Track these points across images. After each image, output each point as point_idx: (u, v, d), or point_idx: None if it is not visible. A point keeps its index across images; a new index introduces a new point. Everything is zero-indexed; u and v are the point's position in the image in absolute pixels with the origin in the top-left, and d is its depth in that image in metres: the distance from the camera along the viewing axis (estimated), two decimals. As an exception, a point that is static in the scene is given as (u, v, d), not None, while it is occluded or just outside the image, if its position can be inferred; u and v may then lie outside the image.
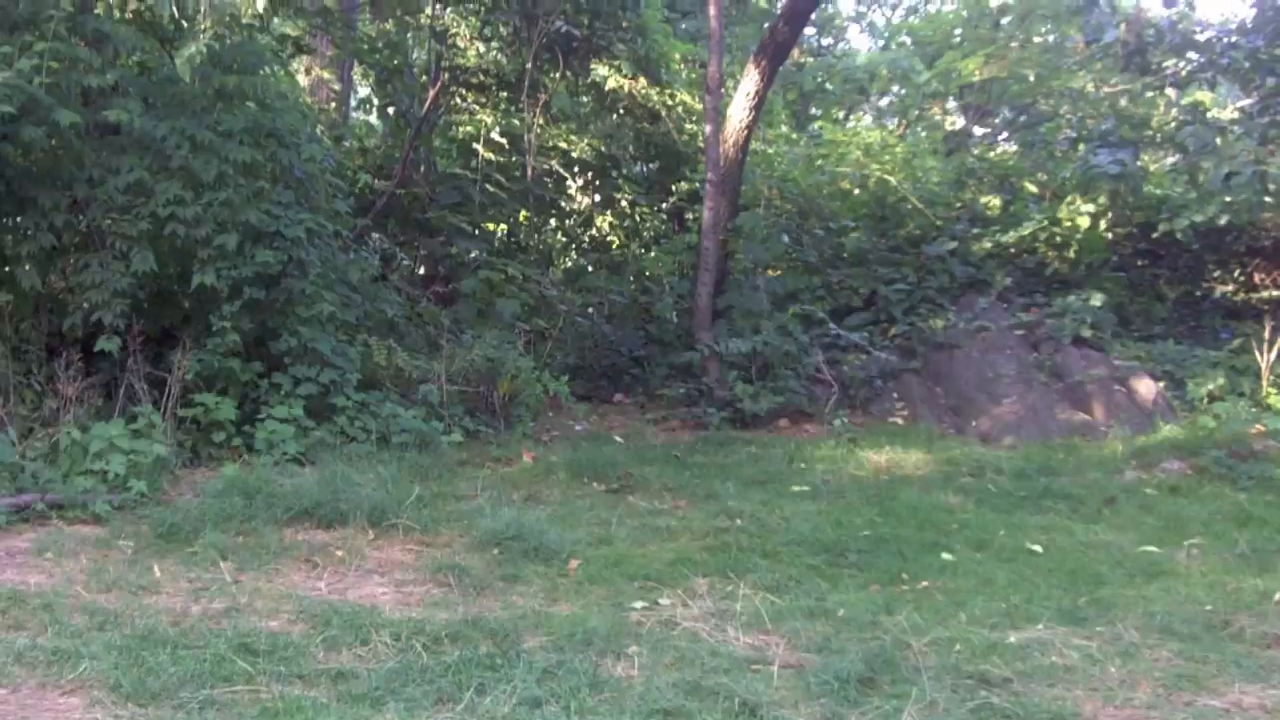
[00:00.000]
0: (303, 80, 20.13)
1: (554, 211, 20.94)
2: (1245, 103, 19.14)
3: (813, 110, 29.09)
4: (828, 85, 28.80)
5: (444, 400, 12.93)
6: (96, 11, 11.73)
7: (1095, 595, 7.73)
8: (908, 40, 30.29)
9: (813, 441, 13.37)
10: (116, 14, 12.35)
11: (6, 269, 11.26)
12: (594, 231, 21.58)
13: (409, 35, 19.90)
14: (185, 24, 12.42)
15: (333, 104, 21.52)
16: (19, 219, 11.36)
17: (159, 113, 11.64)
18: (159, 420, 10.43)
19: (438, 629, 6.58)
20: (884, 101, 30.42)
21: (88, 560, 7.89)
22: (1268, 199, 16.35)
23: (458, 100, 20.20)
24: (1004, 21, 24.97)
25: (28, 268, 11.02)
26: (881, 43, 34.01)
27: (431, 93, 17.93)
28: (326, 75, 21.64)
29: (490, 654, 6.19)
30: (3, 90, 9.95)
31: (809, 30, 29.20)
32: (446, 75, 18.65)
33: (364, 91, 23.48)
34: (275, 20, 16.31)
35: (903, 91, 27.88)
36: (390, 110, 20.49)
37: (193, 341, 11.36)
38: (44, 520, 8.88)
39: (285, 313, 12.03)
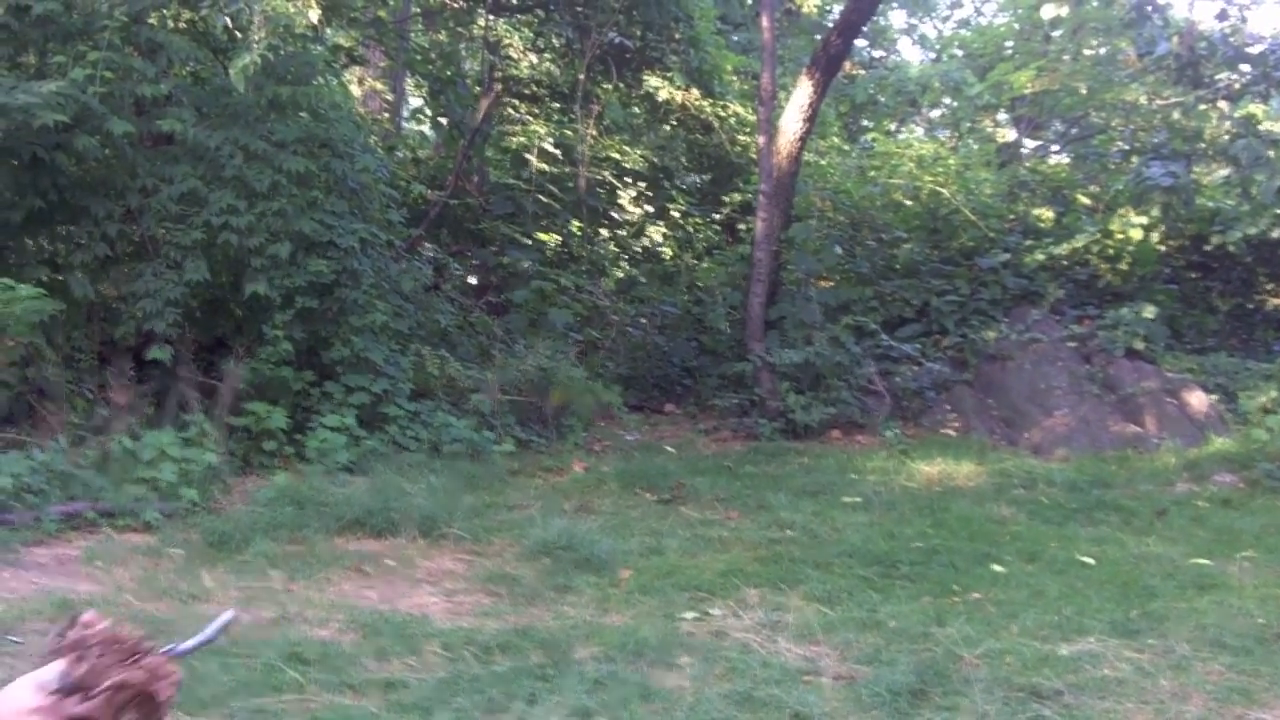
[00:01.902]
0: (356, 91, 20.21)
1: (606, 222, 20.92)
2: (1298, 116, 19.02)
3: (864, 122, 29.04)
4: (880, 97, 28.72)
5: (496, 410, 12.95)
6: (150, 22, 11.81)
7: (1147, 608, 7.66)
8: (959, 52, 30.15)
9: (865, 453, 13.33)
10: (170, 24, 12.45)
11: (59, 278, 11.30)
12: (646, 242, 21.54)
13: (462, 46, 19.99)
14: (239, 34, 12.50)
15: (385, 114, 21.61)
16: (72, 228, 11.44)
17: (212, 122, 11.71)
18: (210, 429, 10.45)
19: (488, 639, 6.58)
20: (936, 113, 30.31)
21: (138, 568, 7.92)
22: (1320, 212, 16.24)
23: (510, 111, 20.27)
24: (1056, 34, 24.83)
25: (80, 276, 11.08)
26: (933, 55, 33.88)
27: (484, 103, 17.96)
28: (379, 86, 21.74)
29: (541, 664, 6.19)
30: (56, 99, 10.03)
31: (861, 42, 29.10)
32: (499, 86, 18.71)
33: (417, 102, 23.56)
34: (329, 31, 16.39)
35: (954, 104, 27.76)
36: (443, 121, 20.58)
37: (245, 350, 11.43)
38: (95, 528, 8.91)
39: (338, 322, 12.07)
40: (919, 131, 30.00)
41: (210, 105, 11.98)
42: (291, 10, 14.02)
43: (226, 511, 9.40)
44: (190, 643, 2.90)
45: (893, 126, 29.48)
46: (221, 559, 8.23)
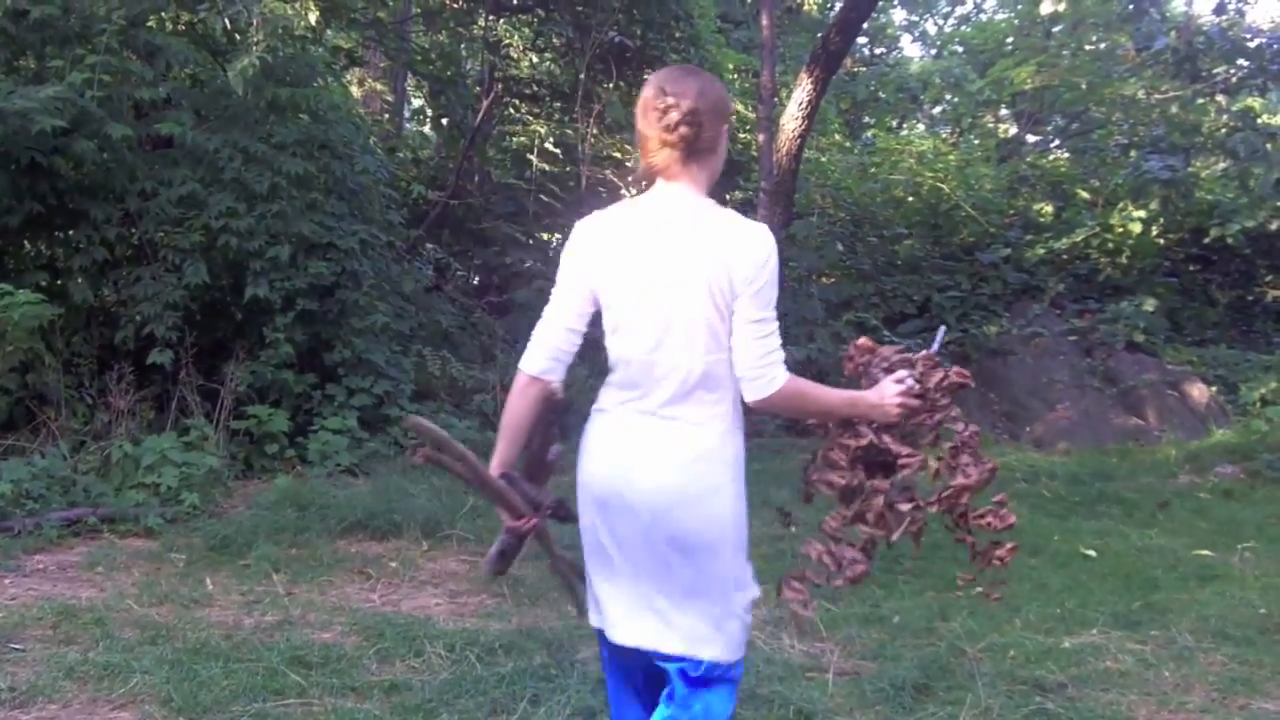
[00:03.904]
0: (356, 92, 20.20)
1: (609, 221, 20.87)
2: (1295, 109, 19.05)
3: (866, 119, 29.07)
4: (880, 94, 28.76)
5: (498, 410, 12.91)
6: (148, 24, 11.80)
7: (1149, 600, 7.70)
8: (960, 49, 30.21)
9: (868, 448, 13.28)
10: (168, 27, 12.44)
11: (58, 282, 11.29)
12: (648, 240, 21.51)
13: (462, 46, 19.97)
14: (237, 37, 12.49)
15: (386, 115, 21.60)
16: (71, 232, 11.41)
17: (211, 125, 11.69)
18: (211, 432, 10.45)
19: (492, 640, 6.55)
20: (937, 110, 30.35)
21: (139, 574, 7.90)
22: (1318, 204, 16.29)
23: (511, 111, 20.26)
24: (1055, 30, 24.88)
25: (79, 281, 11.04)
26: (934, 51, 33.93)
27: (485, 103, 17.95)
28: (380, 87, 21.73)
29: (544, 664, 6.16)
30: (54, 104, 10.01)
31: (861, 39, 29.14)
32: (500, 86, 18.69)
33: (417, 103, 23.57)
34: (328, 33, 16.39)
35: (955, 100, 27.81)
36: (444, 121, 20.57)
37: (245, 353, 11.39)
38: (95, 534, 8.86)
39: (339, 324, 12.05)
40: (920, 128, 30.03)
41: (209, 108, 11.97)
42: (290, 12, 14.02)
43: (228, 515, 9.37)
44: (934, 346, 4.19)
45: (894, 123, 29.50)
46: (224, 563, 8.21)
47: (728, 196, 20.67)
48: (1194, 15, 19.66)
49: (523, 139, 20.26)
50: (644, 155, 3.87)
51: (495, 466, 3.98)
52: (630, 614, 3.85)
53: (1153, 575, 8.32)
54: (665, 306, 3.75)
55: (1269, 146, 16.02)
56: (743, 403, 3.85)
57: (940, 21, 36.00)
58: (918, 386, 3.96)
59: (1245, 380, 15.10)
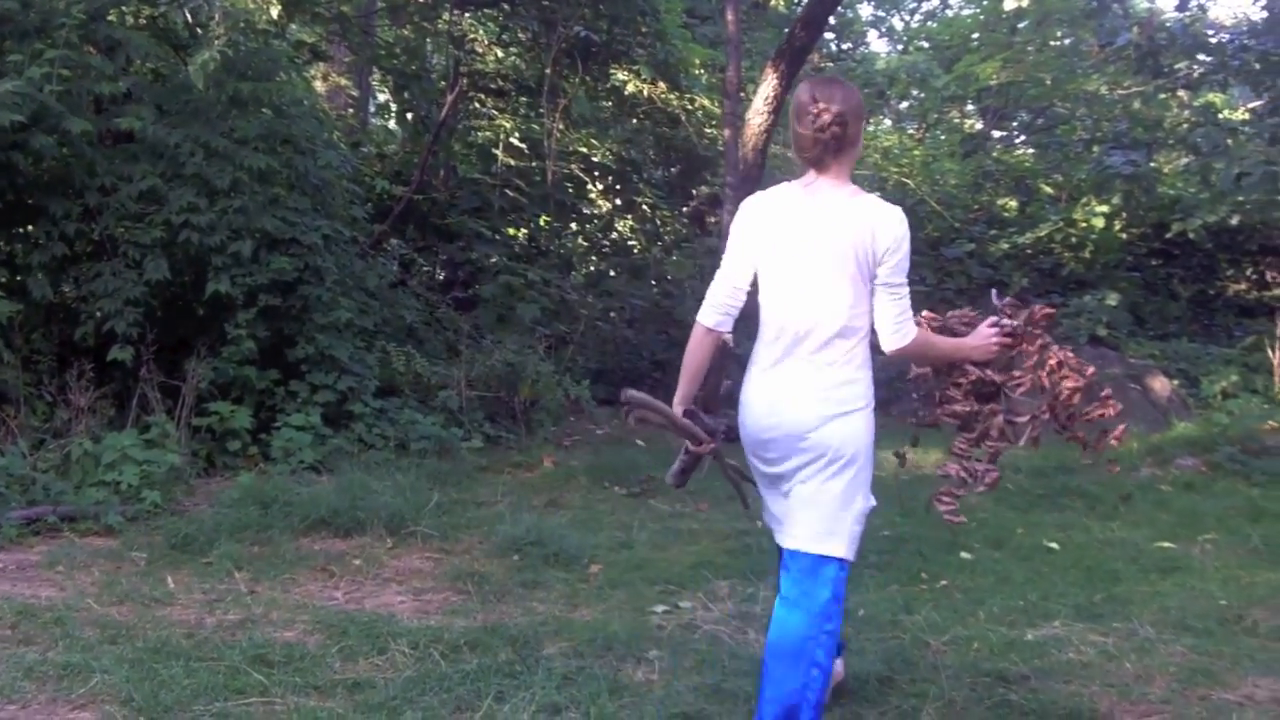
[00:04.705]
0: (320, 87, 20.11)
1: (574, 216, 20.87)
2: (1256, 104, 19.14)
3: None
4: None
5: (464, 406, 12.91)
6: (109, 18, 11.71)
7: (1111, 591, 7.75)
8: (926, 44, 30.27)
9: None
10: (129, 21, 12.36)
11: (17, 278, 11.21)
12: (615, 235, 21.53)
13: (427, 41, 19.88)
14: (199, 31, 12.42)
15: (350, 110, 21.52)
16: (30, 228, 11.35)
17: (172, 120, 11.61)
18: (173, 430, 10.35)
19: (456, 637, 6.54)
20: (903, 105, 30.40)
21: (100, 573, 7.85)
22: (1279, 198, 16.35)
23: (477, 105, 20.19)
24: (1020, 26, 24.95)
25: (39, 277, 10.98)
26: (900, 47, 33.99)
27: (450, 98, 17.88)
28: (344, 81, 21.63)
29: (509, 661, 6.15)
30: (13, 99, 9.93)
31: (828, 35, 29.17)
32: (465, 80, 18.62)
33: (382, 97, 23.47)
34: (292, 27, 16.32)
35: (921, 95, 27.85)
36: (409, 116, 20.49)
37: (207, 350, 11.31)
38: (56, 533, 8.79)
39: (302, 320, 12.00)
40: (886, 123, 30.10)
41: (170, 102, 11.88)
42: (252, 6, 13.96)
43: (190, 513, 9.32)
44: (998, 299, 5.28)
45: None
46: (185, 561, 8.16)
47: (695, 191, 20.69)
48: (1157, 11, 19.80)
49: (488, 134, 20.19)
50: (799, 150, 4.84)
51: (678, 402, 5.11)
52: (787, 521, 4.94)
53: (1114, 567, 8.38)
54: (817, 272, 4.76)
55: (1230, 142, 16.16)
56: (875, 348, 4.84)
57: (906, 17, 36.09)
58: (1009, 325, 5.10)
59: (1206, 373, 15.23)
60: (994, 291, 5.53)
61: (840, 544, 4.80)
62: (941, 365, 5.31)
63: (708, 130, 20.35)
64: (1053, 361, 5.14)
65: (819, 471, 4.79)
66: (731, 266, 4.98)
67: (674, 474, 5.23)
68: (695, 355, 5.10)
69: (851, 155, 4.90)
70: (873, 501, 4.98)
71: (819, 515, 4.80)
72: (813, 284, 4.78)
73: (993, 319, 5.14)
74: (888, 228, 4.75)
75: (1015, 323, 5.12)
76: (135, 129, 11.14)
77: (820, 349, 4.77)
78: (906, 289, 4.81)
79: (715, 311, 5.00)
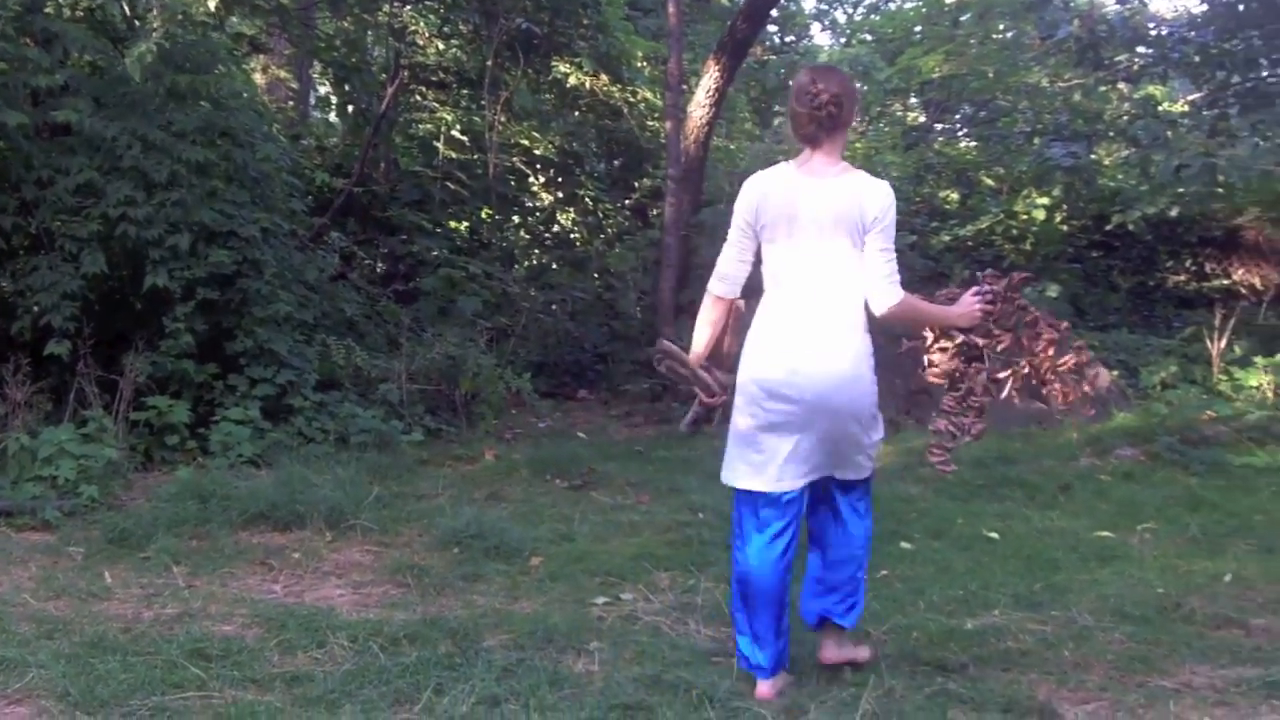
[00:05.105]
0: (260, 79, 19.99)
1: (516, 209, 20.84)
2: (1195, 96, 19.25)
3: (776, 107, 29.10)
4: (790, 82, 28.72)
5: (404, 399, 12.85)
6: (46, 10, 11.61)
7: (1050, 580, 7.78)
8: (869, 37, 30.32)
9: (776, 435, 13.31)
10: (66, 13, 12.25)
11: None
12: (557, 228, 21.49)
13: (368, 33, 19.78)
14: (137, 23, 12.32)
15: (290, 103, 21.39)
16: (-36, 222, 11.23)
17: (110, 113, 11.49)
18: (110, 424, 10.24)
19: (395, 630, 6.52)
20: (846, 98, 30.39)
21: (36, 568, 7.79)
22: (1217, 190, 16.51)
23: (418, 98, 20.13)
24: (963, 19, 25.01)
25: (-26, 271, 10.89)
26: (843, 40, 34.04)
27: (390, 90, 17.81)
28: (284, 74, 21.51)
29: (449, 654, 6.13)
30: (-52, 91, 9.85)
31: (771, 27, 29.19)
32: (406, 73, 18.56)
33: (323, 90, 23.32)
34: (231, 19, 16.20)
35: (864, 88, 27.89)
36: (349, 108, 20.38)
37: (145, 344, 11.21)
38: (-8, 528, 8.72)
39: (240, 313, 11.92)
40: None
41: (108, 95, 11.76)
42: (189, -2, 13.85)
43: (128, 508, 9.25)
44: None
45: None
46: (122, 556, 8.11)
47: (636, 184, 20.68)
48: (1097, 4, 19.83)
49: (429, 126, 20.10)
50: (796, 128, 5.54)
51: (693, 360, 5.87)
52: (802, 460, 5.57)
53: (1054, 556, 8.40)
54: (814, 239, 5.43)
55: (1169, 134, 16.25)
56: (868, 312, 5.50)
57: (849, 10, 36.15)
58: (990, 293, 5.80)
59: (1146, 364, 15.32)
60: (981, 275, 6.10)
61: (869, 467, 5.82)
62: (932, 330, 6.03)
63: (650, 123, 20.34)
64: (1029, 319, 5.88)
65: (836, 415, 5.50)
66: (736, 240, 5.75)
67: (688, 423, 6.40)
68: (706, 319, 5.89)
69: (843, 135, 5.60)
70: (882, 433, 5.84)
71: (847, 451, 5.64)
72: (810, 250, 5.46)
73: (975, 288, 5.84)
74: (875, 199, 5.45)
75: (996, 288, 5.82)
76: (72, 122, 11.03)
77: (820, 308, 5.46)
78: (894, 254, 5.47)
79: (723, 282, 5.79)
